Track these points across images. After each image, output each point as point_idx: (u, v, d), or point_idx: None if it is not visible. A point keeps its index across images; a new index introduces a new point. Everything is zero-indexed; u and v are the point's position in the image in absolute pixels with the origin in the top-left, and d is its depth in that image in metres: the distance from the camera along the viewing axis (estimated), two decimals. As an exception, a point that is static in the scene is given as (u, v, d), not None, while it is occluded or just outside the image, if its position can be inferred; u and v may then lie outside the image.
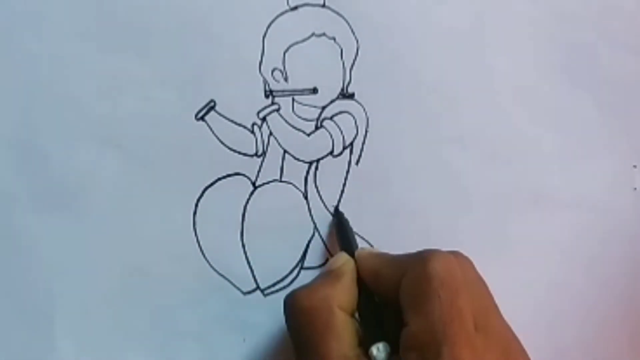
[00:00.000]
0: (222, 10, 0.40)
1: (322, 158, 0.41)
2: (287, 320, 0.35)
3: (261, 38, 0.41)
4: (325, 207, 0.41)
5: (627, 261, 0.45)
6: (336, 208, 0.41)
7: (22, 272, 0.39)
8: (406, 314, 0.33)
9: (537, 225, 0.44)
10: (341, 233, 0.40)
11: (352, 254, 0.38)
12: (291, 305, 0.35)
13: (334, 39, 0.41)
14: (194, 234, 0.40)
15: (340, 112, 0.42)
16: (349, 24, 0.41)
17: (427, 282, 0.33)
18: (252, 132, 0.41)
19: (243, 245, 0.40)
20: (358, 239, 0.41)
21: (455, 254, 0.35)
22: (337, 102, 0.42)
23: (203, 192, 0.40)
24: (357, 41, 0.42)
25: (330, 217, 0.41)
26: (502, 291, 0.43)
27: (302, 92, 0.41)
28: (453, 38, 0.43)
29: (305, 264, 0.41)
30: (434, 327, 0.32)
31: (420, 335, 0.32)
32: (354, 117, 0.42)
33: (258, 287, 0.41)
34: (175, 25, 0.40)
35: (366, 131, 0.42)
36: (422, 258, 0.34)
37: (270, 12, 0.41)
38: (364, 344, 0.34)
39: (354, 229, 0.41)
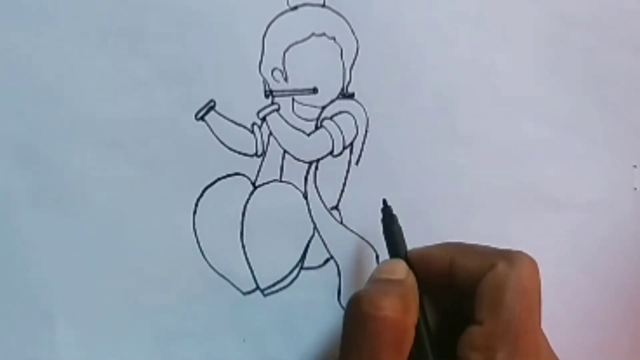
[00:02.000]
0: (222, 10, 0.40)
1: (322, 158, 0.41)
2: (348, 322, 0.33)
3: (261, 38, 0.40)
4: (325, 207, 0.41)
5: (627, 261, 0.45)
6: (384, 201, 0.39)
7: (22, 271, 0.38)
8: (481, 310, 0.33)
9: (537, 225, 0.44)
10: (390, 233, 0.38)
11: (401, 257, 0.37)
12: (365, 310, 0.32)
13: (334, 38, 0.41)
14: (194, 234, 0.40)
15: (340, 112, 0.42)
16: (349, 24, 0.41)
17: (514, 288, 0.32)
18: (252, 132, 0.41)
19: (243, 246, 0.40)
20: (358, 239, 0.41)
21: (532, 258, 0.35)
22: (337, 102, 0.42)
23: (203, 192, 0.40)
24: (357, 41, 0.42)
25: (331, 217, 0.41)
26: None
27: (302, 92, 0.41)
28: (453, 38, 0.43)
29: (305, 264, 0.41)
30: (508, 335, 0.32)
31: (491, 338, 0.32)
32: (354, 117, 0.42)
33: (258, 287, 0.41)
34: (175, 25, 0.40)
35: (366, 131, 0.42)
36: (512, 259, 0.33)
37: (270, 12, 0.41)
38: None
39: (354, 229, 0.41)
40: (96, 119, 0.39)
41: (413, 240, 0.42)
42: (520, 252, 0.34)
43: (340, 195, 0.42)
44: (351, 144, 0.42)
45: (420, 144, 0.42)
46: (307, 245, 0.41)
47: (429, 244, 0.42)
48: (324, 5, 0.41)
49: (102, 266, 0.39)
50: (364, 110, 0.42)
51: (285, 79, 0.41)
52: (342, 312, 0.41)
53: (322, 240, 0.41)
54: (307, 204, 0.41)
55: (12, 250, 0.38)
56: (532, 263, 0.34)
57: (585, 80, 0.44)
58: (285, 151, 0.41)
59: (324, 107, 0.41)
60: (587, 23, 0.44)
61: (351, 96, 0.42)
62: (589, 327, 0.44)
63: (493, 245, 0.43)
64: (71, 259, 0.39)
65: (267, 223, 0.41)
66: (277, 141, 0.41)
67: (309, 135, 0.41)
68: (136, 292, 0.39)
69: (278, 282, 0.41)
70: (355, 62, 0.42)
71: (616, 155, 0.45)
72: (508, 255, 0.34)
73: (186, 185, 0.40)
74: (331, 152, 0.42)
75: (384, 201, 0.39)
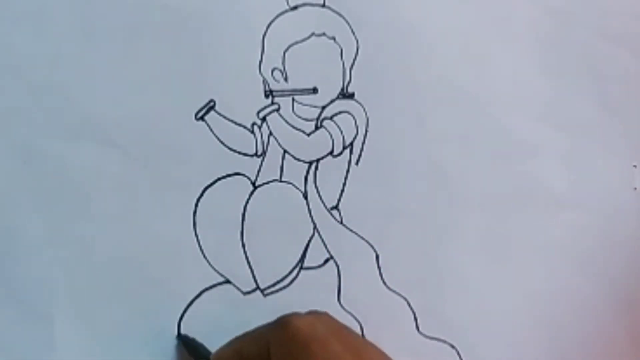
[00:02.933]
0: (222, 10, 0.40)
1: (322, 158, 0.41)
2: None
3: (261, 38, 0.40)
4: (325, 207, 0.41)
5: (627, 261, 0.45)
6: (178, 332, 0.39)
7: (22, 271, 0.38)
8: None
9: (537, 225, 0.44)
10: (192, 353, 0.39)
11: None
12: None
13: (334, 38, 0.41)
14: (194, 234, 0.40)
15: (340, 112, 0.42)
16: (349, 24, 0.41)
17: (294, 340, 0.34)
18: (252, 132, 0.41)
19: (243, 245, 0.40)
20: (358, 239, 0.41)
21: (311, 312, 0.37)
22: (337, 102, 0.42)
23: (203, 192, 0.40)
24: (357, 41, 0.42)
25: (331, 217, 0.41)
26: (501, 291, 0.43)
27: (302, 92, 0.41)
28: (453, 38, 0.43)
29: (305, 264, 0.41)
30: None
31: None
32: (354, 117, 0.42)
33: (258, 287, 0.41)
34: (175, 25, 0.40)
35: (366, 131, 0.42)
36: (282, 322, 0.35)
37: (270, 12, 0.41)
38: None
39: (354, 229, 0.41)
40: (96, 119, 0.39)
41: (412, 240, 0.42)
42: (290, 314, 0.36)
43: (340, 195, 0.42)
44: (351, 144, 0.42)
45: (420, 143, 0.42)
46: (307, 245, 0.41)
47: (428, 243, 0.42)
48: (324, 5, 0.41)
49: (101, 266, 0.39)
50: (364, 110, 0.42)
51: (285, 79, 0.41)
52: (342, 312, 0.41)
53: (322, 240, 0.41)
54: (307, 204, 0.41)
55: (12, 250, 0.38)
56: (305, 316, 0.36)
57: (585, 80, 0.44)
58: (285, 151, 0.41)
59: (324, 107, 0.42)
60: (587, 23, 0.44)
61: (351, 96, 0.42)
62: (589, 326, 0.44)
63: (492, 246, 0.43)
64: (71, 259, 0.39)
65: (267, 223, 0.41)
66: (277, 141, 0.41)
67: (309, 135, 0.41)
68: (136, 292, 0.39)
69: (278, 282, 0.41)
70: (355, 62, 0.42)
71: (616, 155, 0.45)
72: (279, 322, 0.36)
73: (186, 185, 0.40)
74: (331, 152, 0.42)
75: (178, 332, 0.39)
